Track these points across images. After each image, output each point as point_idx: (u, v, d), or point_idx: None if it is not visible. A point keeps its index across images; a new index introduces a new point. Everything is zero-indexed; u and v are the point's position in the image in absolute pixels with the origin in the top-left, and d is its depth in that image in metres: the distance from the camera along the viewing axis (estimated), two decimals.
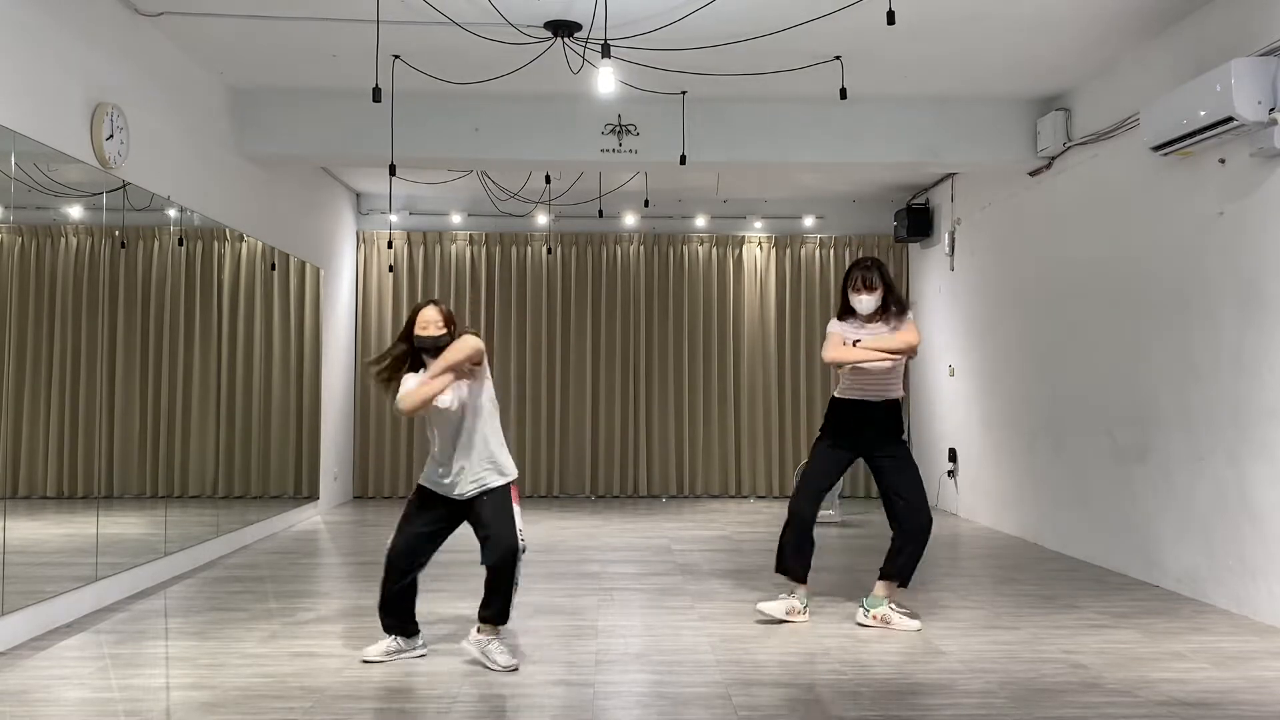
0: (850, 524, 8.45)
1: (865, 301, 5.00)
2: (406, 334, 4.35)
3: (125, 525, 5.77)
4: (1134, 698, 3.84)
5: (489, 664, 4.19)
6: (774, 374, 10.67)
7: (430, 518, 4.33)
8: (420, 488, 4.39)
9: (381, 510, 9.44)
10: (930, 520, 5.01)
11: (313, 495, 8.88)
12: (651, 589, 5.84)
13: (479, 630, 4.28)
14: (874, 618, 4.92)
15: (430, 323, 4.29)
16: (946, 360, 9.57)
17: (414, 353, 4.33)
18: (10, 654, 4.39)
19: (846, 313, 5.09)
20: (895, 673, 4.16)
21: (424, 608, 4.77)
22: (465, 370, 4.25)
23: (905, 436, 5.21)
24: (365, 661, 4.26)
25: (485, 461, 4.29)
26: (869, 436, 5.05)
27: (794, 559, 5.05)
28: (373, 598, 5.49)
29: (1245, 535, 5.17)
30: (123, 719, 3.56)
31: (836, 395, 5.14)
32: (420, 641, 4.42)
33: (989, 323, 8.59)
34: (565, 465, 10.54)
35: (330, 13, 5.73)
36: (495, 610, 4.25)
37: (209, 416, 6.81)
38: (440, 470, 4.30)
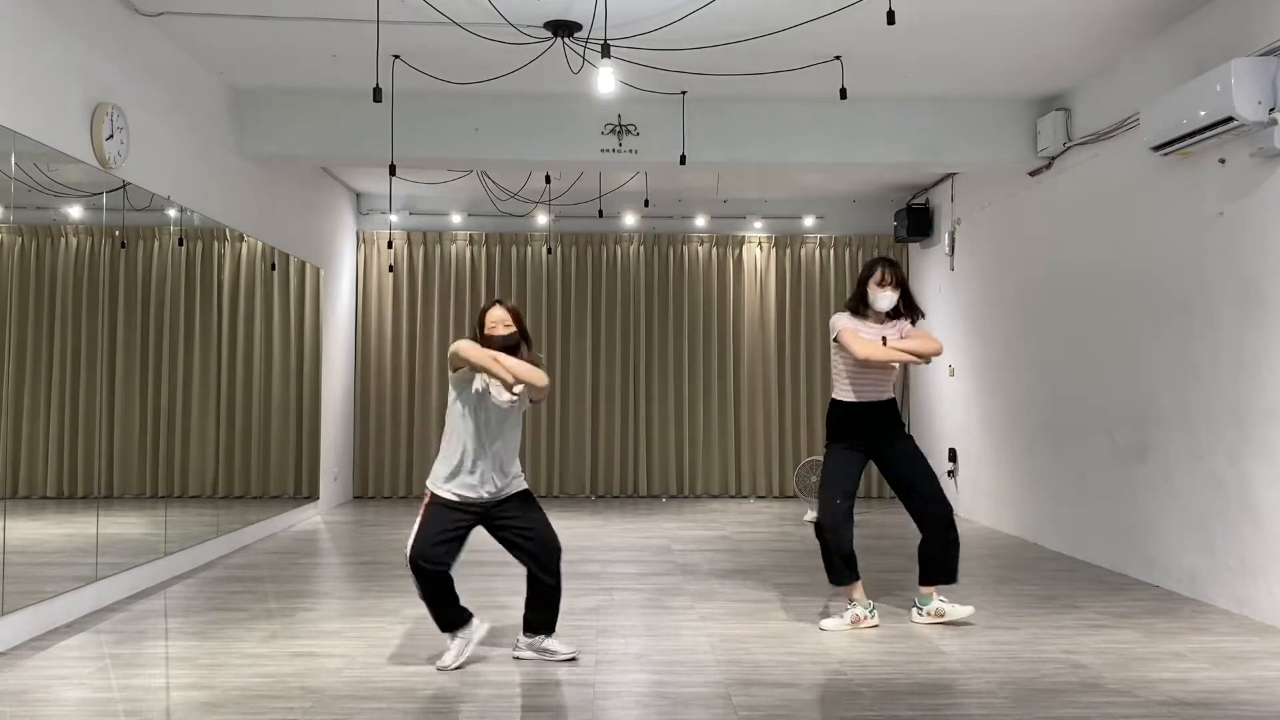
0: (863, 523, 8.42)
1: (887, 296, 4.96)
2: (477, 334, 4.33)
3: (125, 525, 5.77)
4: (1134, 698, 3.84)
5: (552, 658, 4.28)
6: (774, 374, 10.67)
7: (453, 522, 4.23)
8: (435, 498, 4.27)
9: (381, 510, 9.45)
10: (950, 508, 5.01)
11: (313, 495, 8.88)
12: (651, 589, 5.84)
13: (531, 633, 4.33)
14: (929, 614, 4.97)
15: (499, 322, 4.30)
16: (947, 360, 9.56)
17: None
18: (10, 654, 4.39)
19: (860, 309, 5.03)
20: (895, 673, 4.16)
21: (424, 607, 4.78)
22: (523, 390, 4.24)
23: (907, 430, 5.22)
24: (441, 669, 4.16)
25: (514, 465, 4.35)
26: (876, 434, 5.04)
27: (846, 570, 4.93)
28: (373, 598, 5.51)
29: (1245, 535, 5.16)
30: (123, 719, 3.56)
31: (839, 399, 5.09)
32: (477, 621, 4.32)
33: (989, 323, 8.59)
34: (565, 465, 10.54)
35: (330, 13, 5.73)
36: (553, 615, 4.33)
37: (209, 416, 6.81)
38: (469, 472, 4.22)
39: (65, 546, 5.24)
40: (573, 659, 4.29)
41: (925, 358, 5.02)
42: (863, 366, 4.97)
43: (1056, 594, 5.72)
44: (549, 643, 4.33)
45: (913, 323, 5.09)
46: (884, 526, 8.27)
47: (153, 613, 5.20)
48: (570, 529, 8.26)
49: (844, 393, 5.06)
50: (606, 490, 10.55)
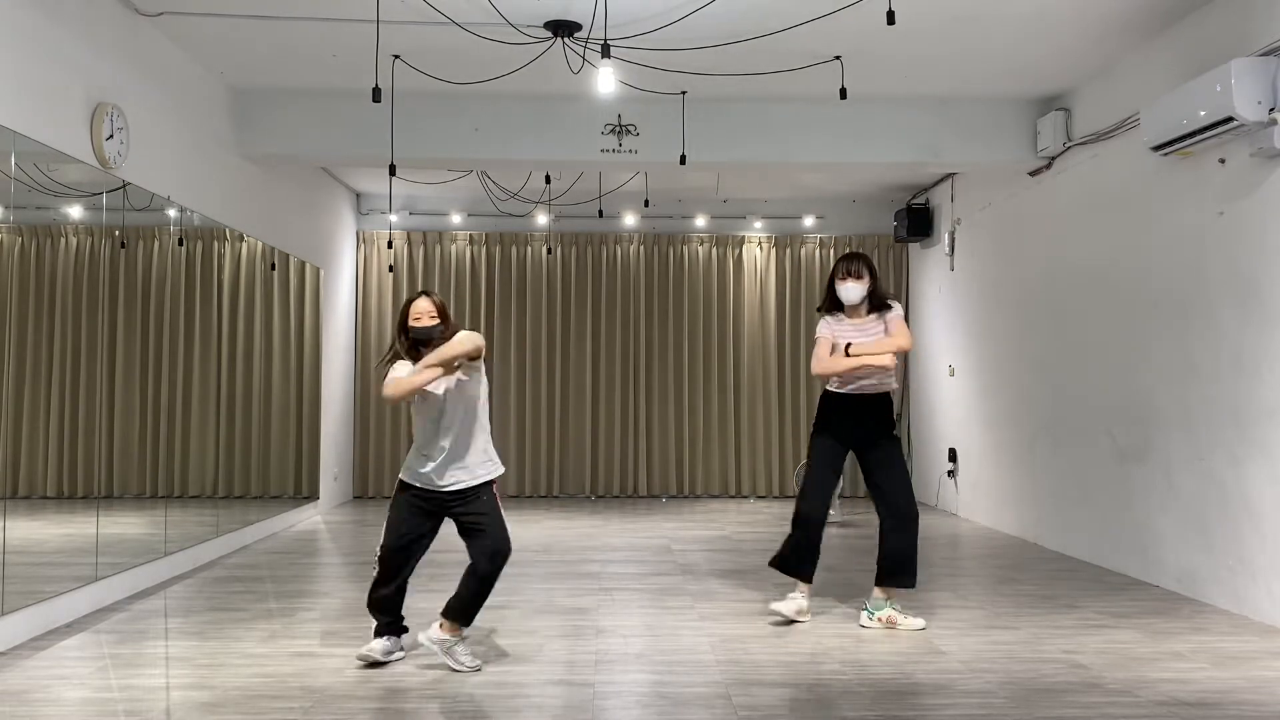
0: (851, 524, 8.45)
1: (851, 288, 4.99)
2: (401, 325, 4.32)
3: (125, 525, 5.77)
4: (1134, 698, 3.84)
5: (455, 666, 4.15)
6: (774, 374, 10.67)
7: (418, 518, 4.26)
8: (402, 485, 4.30)
9: (382, 510, 9.37)
10: (913, 515, 4.96)
11: (313, 495, 8.88)
12: (651, 589, 5.84)
13: (442, 627, 4.21)
14: (879, 620, 4.92)
15: (423, 313, 4.28)
16: (946, 360, 9.57)
17: (412, 345, 4.29)
18: (10, 654, 4.40)
19: (834, 307, 5.08)
20: (895, 673, 4.16)
21: (423, 605, 4.77)
22: (462, 365, 4.22)
23: (896, 431, 5.20)
24: (366, 661, 4.22)
25: (476, 454, 4.25)
26: (861, 430, 5.04)
27: (805, 562, 5.03)
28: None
29: (1245, 535, 5.17)
30: (123, 719, 3.56)
31: (826, 389, 5.12)
32: (403, 641, 4.38)
33: (989, 323, 8.59)
34: (565, 465, 10.54)
35: (330, 13, 5.73)
36: (468, 611, 4.21)
37: (209, 416, 6.81)
38: (426, 463, 4.22)
39: (65, 546, 5.24)
40: (478, 669, 4.17)
41: (886, 367, 4.93)
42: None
43: (1056, 594, 5.72)
44: (459, 649, 4.19)
45: (886, 312, 5.05)
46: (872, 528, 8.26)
47: (153, 613, 5.20)
48: (570, 529, 8.26)
49: (831, 383, 5.09)
50: (606, 490, 10.55)
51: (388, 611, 4.32)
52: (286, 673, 4.11)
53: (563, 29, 5.85)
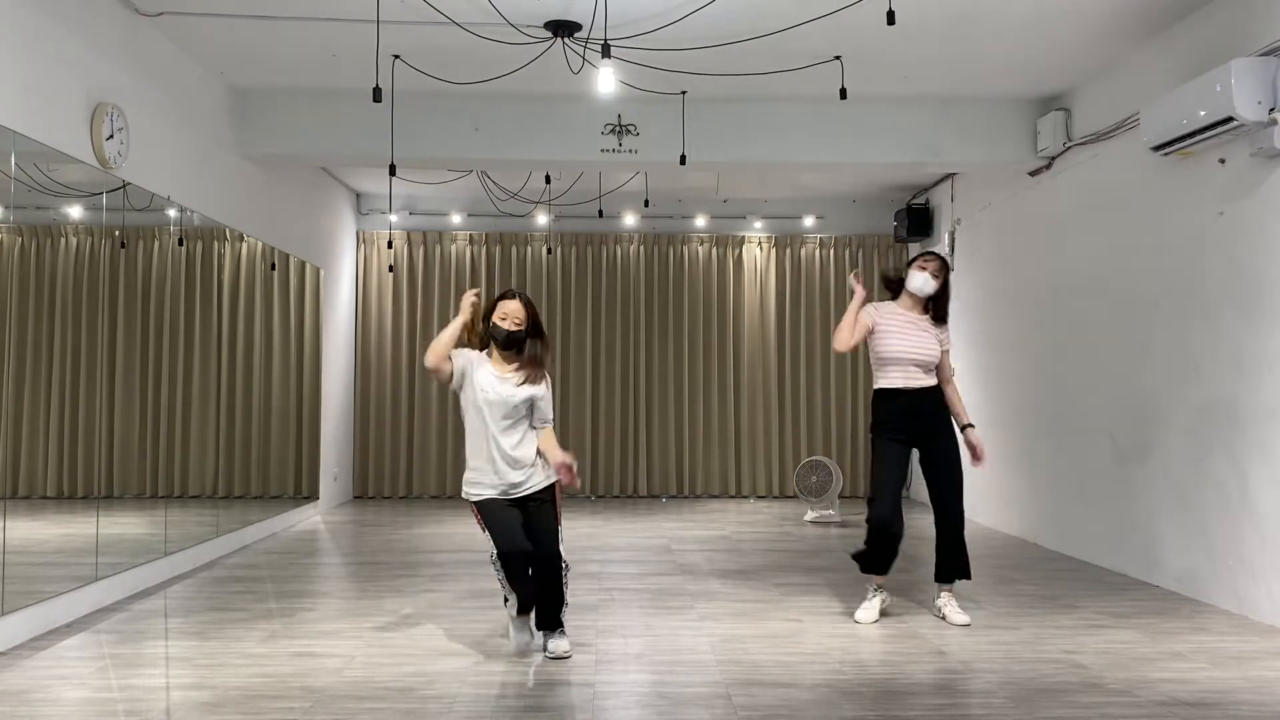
0: (850, 524, 8.45)
1: (927, 280, 5.01)
2: (486, 314, 4.37)
3: (125, 525, 5.77)
4: (1134, 698, 3.84)
5: (551, 654, 4.31)
6: (774, 374, 10.66)
7: (506, 512, 4.28)
8: (476, 503, 4.32)
9: (382, 510, 9.44)
10: (952, 519, 5.04)
11: (313, 495, 8.88)
12: (651, 589, 5.84)
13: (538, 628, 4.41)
14: (937, 609, 5.09)
15: (510, 315, 4.30)
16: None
17: (487, 338, 4.37)
18: (10, 654, 4.39)
19: (894, 294, 5.12)
20: (895, 673, 4.16)
21: (424, 607, 4.78)
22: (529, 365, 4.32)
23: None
24: (517, 653, 4.36)
25: (527, 462, 4.31)
26: (913, 424, 5.01)
27: (884, 562, 5.02)
28: (373, 598, 5.51)
29: (1245, 535, 5.16)
30: (123, 719, 3.56)
31: (876, 386, 5.11)
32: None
33: (989, 323, 8.59)
34: None
35: (330, 13, 5.73)
36: (546, 611, 4.35)
37: (209, 416, 6.81)
38: (487, 471, 4.28)
39: (65, 546, 5.24)
40: (566, 656, 4.32)
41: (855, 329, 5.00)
42: (884, 352, 4.98)
43: (1056, 594, 5.72)
44: (552, 641, 4.35)
45: (942, 325, 5.07)
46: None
47: (153, 613, 5.20)
48: (570, 529, 8.25)
49: (878, 379, 5.09)
50: (606, 490, 10.54)
51: (524, 585, 4.37)
52: (286, 673, 4.11)
53: (563, 29, 5.86)
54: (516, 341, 4.33)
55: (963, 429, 5.10)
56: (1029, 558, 6.94)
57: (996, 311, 8.43)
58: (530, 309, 4.36)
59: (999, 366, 8.37)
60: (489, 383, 4.28)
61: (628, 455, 10.56)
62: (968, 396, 9.03)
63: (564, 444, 10.32)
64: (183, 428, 6.43)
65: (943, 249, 9.52)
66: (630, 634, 4.78)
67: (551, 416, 4.44)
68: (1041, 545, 7.42)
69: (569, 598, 4.45)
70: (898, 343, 4.97)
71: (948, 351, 5.09)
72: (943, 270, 5.05)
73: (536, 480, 4.32)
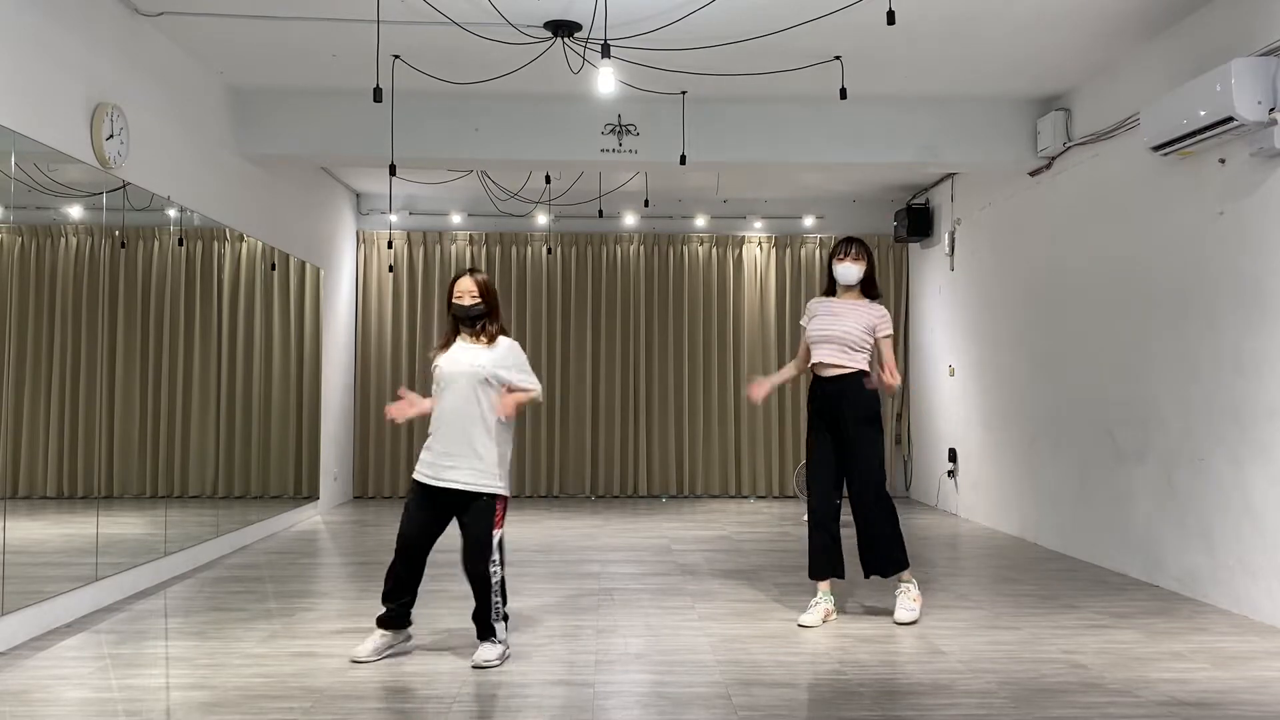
0: (849, 524, 8.42)
1: (849, 268, 5.10)
2: (447, 302, 4.44)
3: (125, 525, 5.77)
4: (1134, 698, 3.84)
5: (483, 665, 4.23)
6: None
7: (427, 509, 4.32)
8: (412, 480, 4.42)
9: (382, 510, 9.44)
10: (873, 500, 5.00)
11: (313, 495, 8.89)
12: (651, 589, 5.84)
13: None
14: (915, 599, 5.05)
15: (465, 292, 4.37)
16: (946, 360, 9.57)
17: (455, 323, 4.43)
18: (10, 654, 4.40)
19: (830, 290, 5.24)
20: (895, 673, 4.16)
21: (424, 608, 4.78)
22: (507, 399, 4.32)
23: (876, 415, 5.09)
24: (355, 661, 4.26)
25: (468, 458, 4.28)
26: (828, 414, 5.07)
27: (824, 565, 5.06)
28: (373, 598, 5.51)
29: (1245, 535, 5.17)
30: (123, 719, 3.56)
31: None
32: (407, 634, 4.44)
33: (989, 323, 8.59)
34: (565, 465, 10.54)
35: (330, 13, 5.73)
36: (476, 616, 4.31)
37: (209, 416, 6.81)
38: (428, 449, 4.35)
39: (65, 546, 5.24)
40: (498, 664, 4.24)
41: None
42: (811, 334, 5.14)
43: (1056, 594, 5.72)
44: (479, 649, 4.26)
45: (873, 305, 5.13)
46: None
47: (153, 613, 5.20)
48: (570, 529, 8.26)
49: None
50: (606, 490, 10.55)
51: (398, 598, 4.40)
52: (286, 673, 4.11)
53: (563, 29, 5.86)
54: (480, 315, 4.37)
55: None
56: (1029, 558, 6.95)
57: (996, 311, 8.43)
58: (482, 284, 4.39)
59: (998, 366, 8.37)
60: (454, 354, 4.36)
61: (628, 455, 10.56)
62: (968, 396, 9.06)
63: (564, 444, 10.45)
64: (183, 428, 6.43)
65: (943, 249, 9.53)
66: (630, 634, 4.78)
67: (532, 384, 4.41)
68: (1041, 545, 7.42)
69: (509, 608, 4.54)
70: (820, 322, 5.12)
71: (888, 338, 5.09)
72: (863, 251, 5.13)
73: (468, 477, 4.25)
